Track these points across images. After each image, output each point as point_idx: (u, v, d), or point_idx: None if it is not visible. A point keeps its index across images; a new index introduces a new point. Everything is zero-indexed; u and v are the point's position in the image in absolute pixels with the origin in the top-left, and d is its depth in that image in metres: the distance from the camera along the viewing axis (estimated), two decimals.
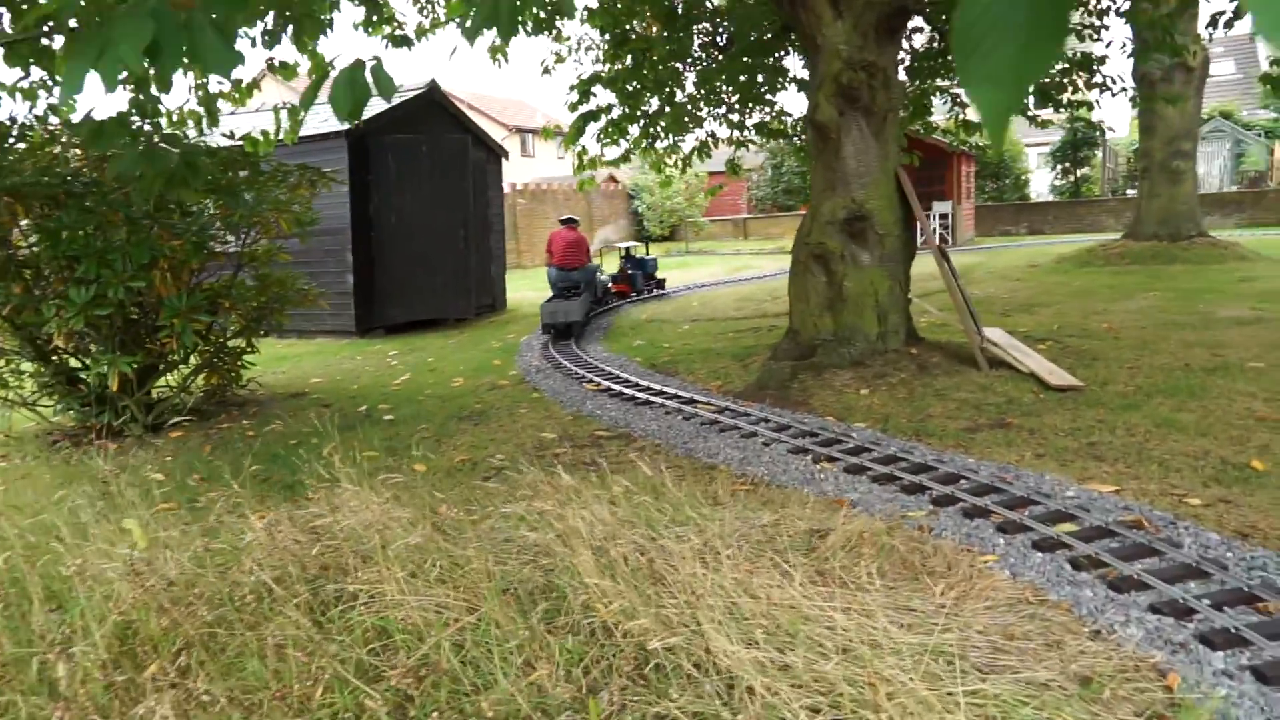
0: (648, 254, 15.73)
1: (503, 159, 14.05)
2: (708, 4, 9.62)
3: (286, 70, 9.83)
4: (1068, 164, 26.33)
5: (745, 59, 9.73)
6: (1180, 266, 12.76)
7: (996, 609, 2.86)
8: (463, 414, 6.53)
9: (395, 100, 11.97)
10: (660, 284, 14.98)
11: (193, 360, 7.15)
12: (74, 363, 6.72)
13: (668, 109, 10.98)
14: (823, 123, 6.55)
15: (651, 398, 6.30)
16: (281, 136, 8.29)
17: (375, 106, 11.89)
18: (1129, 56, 9.85)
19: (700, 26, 10.15)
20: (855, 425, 5.29)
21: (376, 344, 10.97)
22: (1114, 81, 9.84)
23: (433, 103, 12.42)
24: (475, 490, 4.40)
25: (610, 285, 13.55)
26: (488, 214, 13.59)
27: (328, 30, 9.41)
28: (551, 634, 2.73)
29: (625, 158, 10.43)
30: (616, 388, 6.72)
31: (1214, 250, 13.09)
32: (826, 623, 2.63)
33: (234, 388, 7.58)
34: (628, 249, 15.05)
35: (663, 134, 11.21)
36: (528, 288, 17.99)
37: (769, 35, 9.44)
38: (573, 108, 10.04)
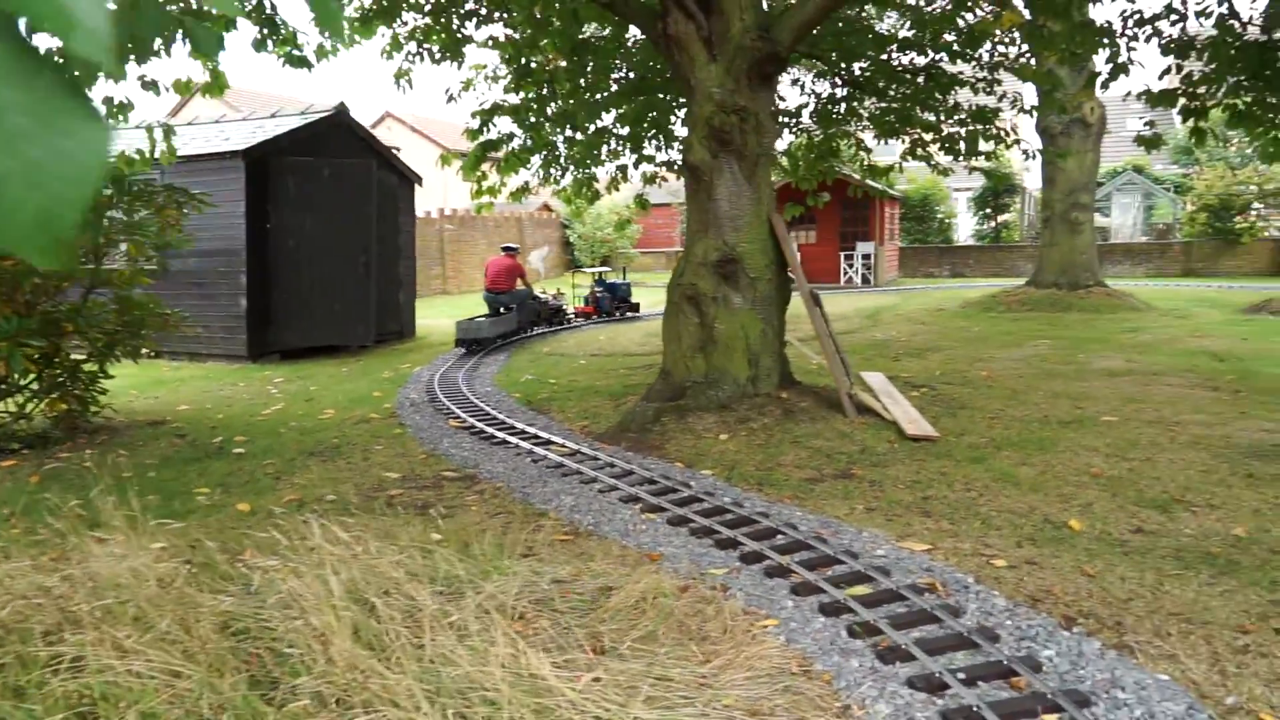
0: (623, 278, 16.89)
1: (415, 185, 13.85)
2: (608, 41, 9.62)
3: (179, 86, 9.58)
4: (989, 210, 27.08)
5: (639, 96, 9.74)
6: (1075, 315, 13.11)
7: (756, 680, 2.74)
8: (317, 449, 6.29)
9: (300, 122, 11.76)
10: (634, 308, 15.91)
11: (35, 385, 6.77)
12: None
13: (577, 140, 10.97)
14: (695, 164, 6.53)
15: (510, 437, 6.14)
16: (157, 156, 8.04)
17: (278, 127, 11.65)
18: (1019, 112, 10.12)
19: (607, 63, 10.17)
20: (700, 472, 5.20)
21: (267, 370, 10.62)
22: (1007, 134, 10.11)
23: (340, 126, 12.20)
24: (274, 529, 4.17)
25: (564, 307, 14.65)
26: (398, 240, 13.35)
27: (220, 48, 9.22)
28: (269, 704, 2.53)
29: (525, 189, 10.33)
30: (481, 425, 6.54)
31: (1108, 300, 13.48)
32: (561, 698, 2.48)
33: (86, 415, 7.20)
34: (599, 273, 16.62)
35: (571, 166, 11.18)
36: (448, 314, 17.74)
37: (669, 74, 9.49)
38: (472, 135, 9.94)
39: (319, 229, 11.34)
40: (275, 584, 2.95)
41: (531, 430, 6.29)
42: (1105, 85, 8.59)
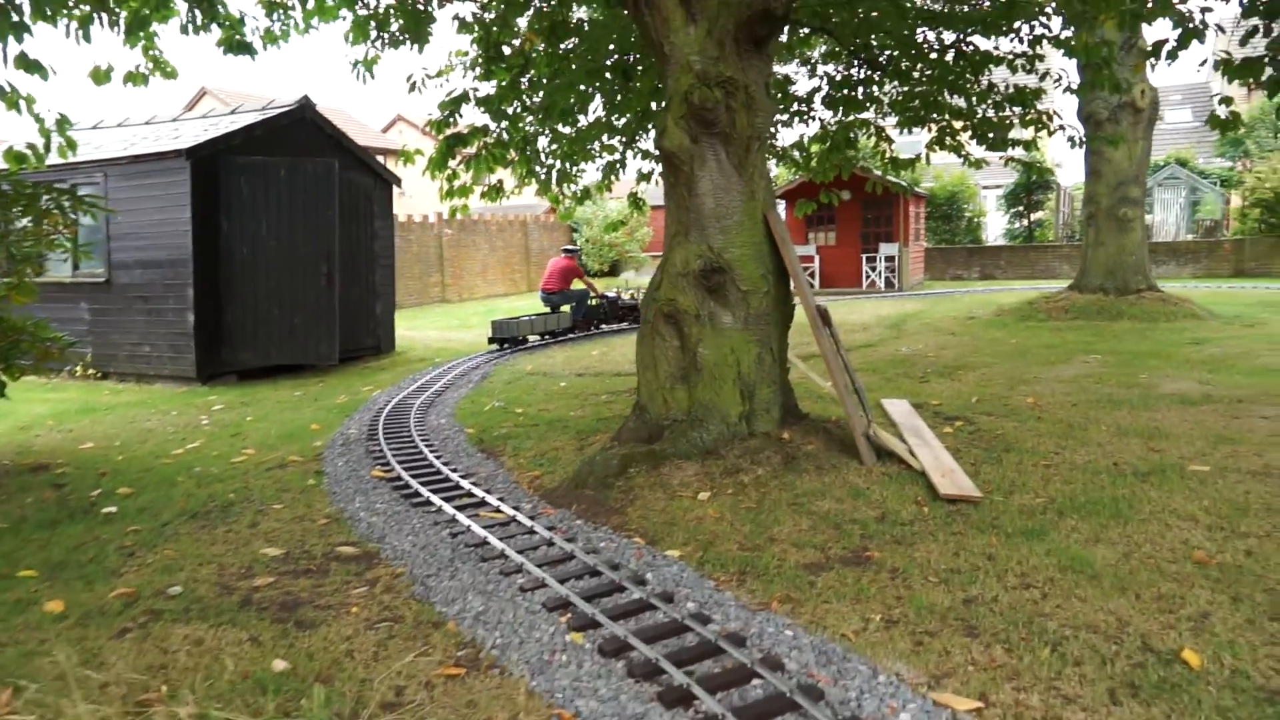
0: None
1: (394, 186, 12.70)
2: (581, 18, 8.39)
3: (136, 77, 8.54)
4: (1021, 208, 25.52)
5: (631, 83, 8.49)
6: (1126, 323, 11.66)
7: None
8: (204, 508, 5.09)
9: (254, 117, 10.63)
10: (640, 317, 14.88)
11: None
12: None
13: (562, 134, 9.76)
14: (671, 151, 5.27)
15: (437, 495, 4.90)
16: (55, 150, 6.92)
17: (230, 124, 10.55)
18: (1065, 91, 8.75)
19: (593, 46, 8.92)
20: (665, 554, 3.92)
21: (212, 395, 9.48)
22: (1050, 118, 8.75)
23: (303, 122, 11.06)
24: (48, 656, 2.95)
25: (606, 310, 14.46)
26: (373, 246, 12.21)
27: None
28: None
29: (498, 188, 9.12)
30: (409, 476, 5.31)
31: (1163, 306, 12.02)
32: None
33: None
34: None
35: (557, 163, 9.96)
36: (442, 324, 16.60)
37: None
38: (437, 128, 8.74)
39: (275, 235, 10.20)
40: None
41: (466, 485, 5.04)
42: (1172, 56, 7.21)
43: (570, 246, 14.87)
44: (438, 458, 5.81)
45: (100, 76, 7.97)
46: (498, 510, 4.55)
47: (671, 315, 5.41)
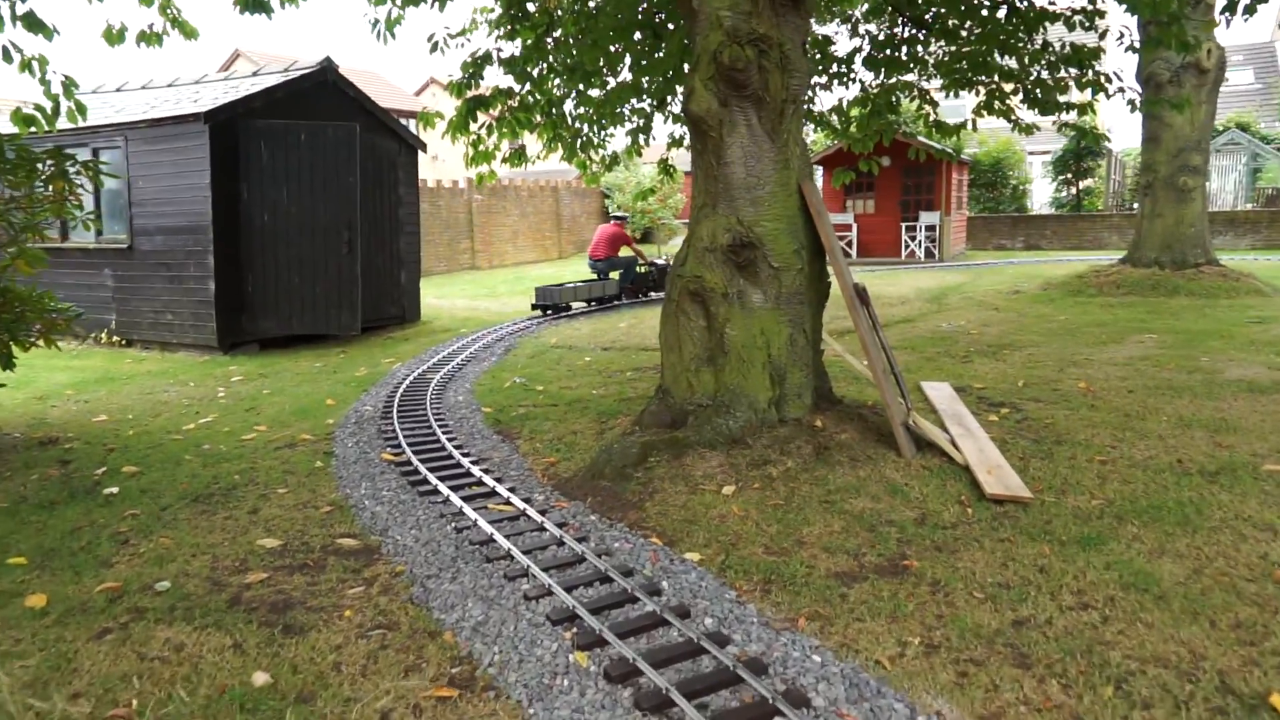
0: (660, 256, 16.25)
1: (419, 150, 12.38)
2: None
3: (149, 37, 8.29)
4: (1069, 175, 24.54)
5: (662, 44, 8.05)
6: (1184, 299, 11.04)
7: None
8: (207, 490, 4.88)
9: (275, 80, 10.35)
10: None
11: None
12: None
13: (590, 96, 9.36)
14: (699, 115, 4.87)
15: (445, 481, 4.64)
16: (63, 114, 6.70)
17: (250, 86, 10.28)
18: (1126, 51, 8.13)
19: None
20: (684, 557, 3.62)
21: (232, 365, 9.33)
22: (1109, 80, 8.15)
23: (325, 85, 10.76)
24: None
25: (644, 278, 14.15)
26: (398, 213, 11.93)
27: None
28: None
29: (521, 153, 8.75)
30: (417, 460, 5.05)
31: (1224, 282, 11.36)
32: None
33: None
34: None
35: (585, 127, 9.57)
36: (471, 292, 16.38)
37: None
38: (457, 91, 8.38)
39: (296, 201, 9.96)
40: None
41: (477, 473, 4.77)
42: (1250, 10, 6.64)
43: (620, 213, 14.93)
44: (451, 440, 5.54)
45: (113, 37, 7.72)
46: (507, 502, 4.28)
47: (697, 293, 5.06)
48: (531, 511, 4.06)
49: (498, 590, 3.33)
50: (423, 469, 4.83)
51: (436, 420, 6.09)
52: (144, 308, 10.44)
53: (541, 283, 13.97)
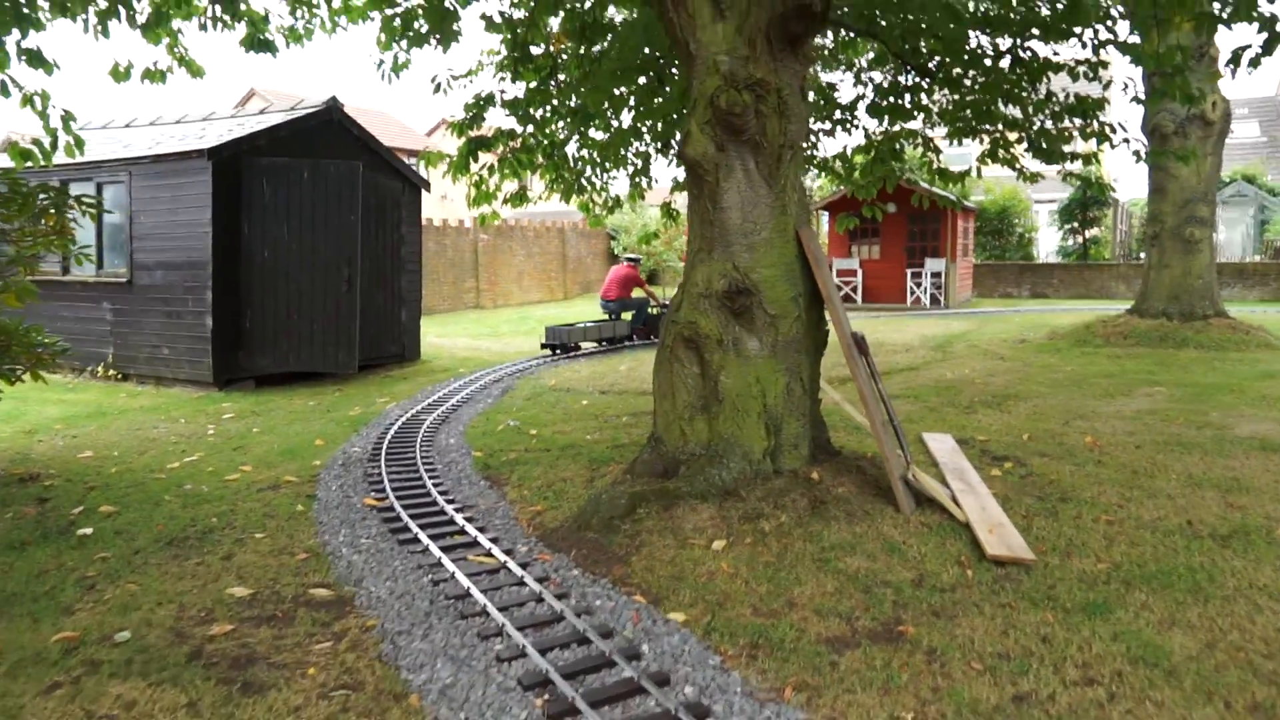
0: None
1: (422, 190, 12.40)
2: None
3: (154, 75, 8.37)
4: (1075, 224, 24.54)
5: (665, 87, 8.05)
6: (1192, 352, 10.88)
7: None
8: (183, 533, 4.73)
9: (280, 118, 10.40)
10: None
11: None
12: None
13: (593, 139, 9.39)
14: (695, 159, 4.80)
15: (426, 530, 4.48)
16: (60, 148, 6.71)
17: (255, 124, 10.33)
18: (1131, 102, 8.09)
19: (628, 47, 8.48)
20: (669, 617, 3.45)
21: (227, 401, 9.23)
22: (1114, 130, 8.10)
23: (331, 123, 10.80)
24: None
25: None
26: (400, 251, 11.92)
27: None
28: None
29: (521, 195, 8.73)
30: (399, 507, 4.90)
31: (1233, 334, 11.20)
32: None
33: None
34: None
35: (589, 169, 9.57)
36: (473, 332, 16.31)
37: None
38: (459, 130, 8.39)
39: (297, 238, 9.93)
40: None
41: (459, 521, 4.62)
42: (1255, 63, 6.58)
43: (632, 255, 14.98)
44: (437, 485, 5.40)
45: (119, 74, 7.77)
46: (489, 554, 4.12)
47: (692, 339, 4.95)
48: (512, 564, 3.90)
49: (470, 650, 3.16)
50: (404, 516, 4.68)
51: (425, 464, 5.94)
52: (141, 342, 10.37)
53: (546, 323, 13.97)
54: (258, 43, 8.27)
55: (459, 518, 4.65)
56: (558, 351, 12.32)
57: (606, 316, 13.64)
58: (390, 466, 5.87)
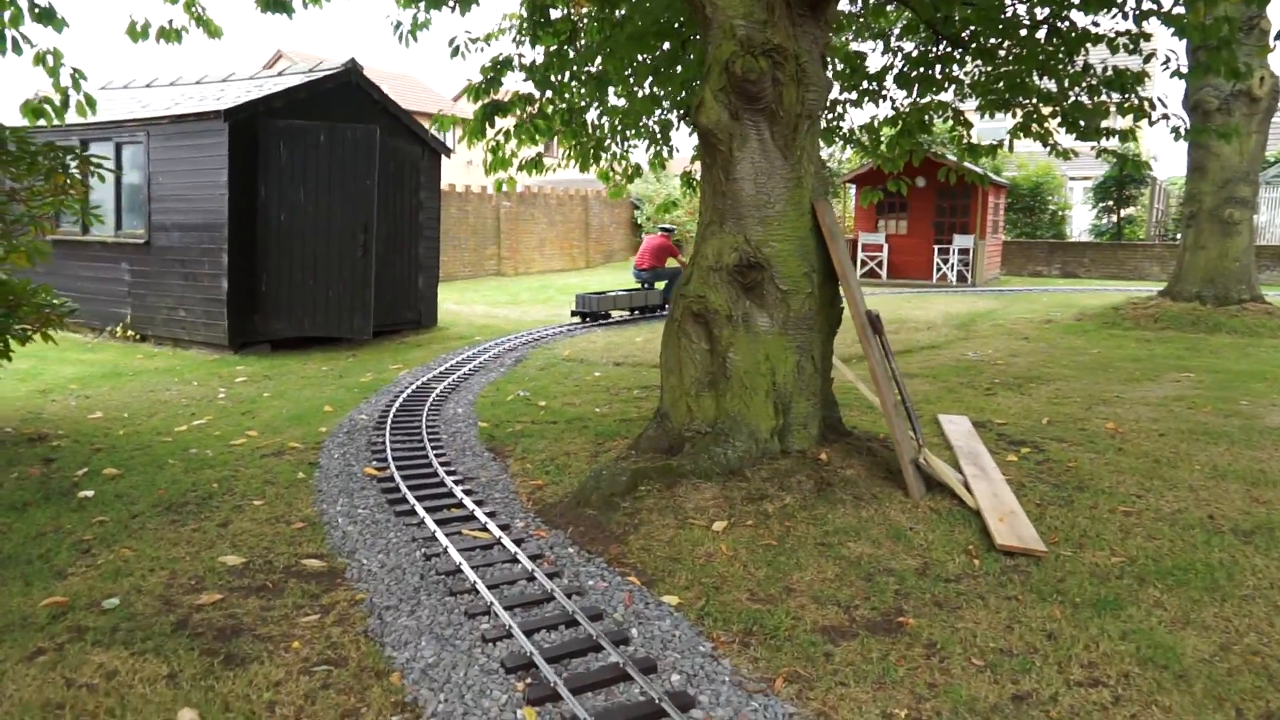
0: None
1: (443, 155, 12.28)
2: None
3: (169, 34, 8.27)
4: (1110, 202, 23.92)
5: (689, 54, 7.83)
6: (1225, 337, 10.56)
7: None
8: (183, 498, 4.72)
9: (298, 80, 10.30)
10: None
11: None
12: None
13: (615, 107, 9.21)
14: (708, 127, 4.64)
15: (423, 501, 4.42)
16: (72, 107, 6.65)
17: (273, 86, 10.24)
18: (1172, 76, 7.76)
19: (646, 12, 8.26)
20: (662, 600, 3.36)
21: (242, 364, 9.24)
22: (1153, 105, 7.78)
23: (349, 86, 10.68)
24: None
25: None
26: (418, 217, 11.83)
27: None
28: None
29: (537, 162, 8.57)
30: (400, 476, 4.85)
31: (1269, 320, 10.85)
32: None
33: None
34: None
35: (611, 137, 9.39)
36: (492, 299, 16.24)
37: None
38: (475, 95, 8.23)
39: (314, 202, 9.87)
40: None
41: (458, 494, 4.55)
42: None
43: (666, 225, 14.90)
44: (439, 456, 5.34)
45: (135, 33, 7.68)
46: (484, 528, 4.05)
47: (700, 314, 4.81)
48: (507, 540, 3.82)
49: (455, 629, 3.10)
50: (403, 487, 4.62)
51: (429, 434, 5.89)
52: (158, 304, 10.41)
53: (567, 292, 13.93)
54: (273, 3, 8.14)
55: (458, 490, 4.59)
56: (587, 319, 12.47)
57: (639, 285, 13.71)
58: (395, 436, 5.82)
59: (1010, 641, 3.06)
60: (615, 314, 13.07)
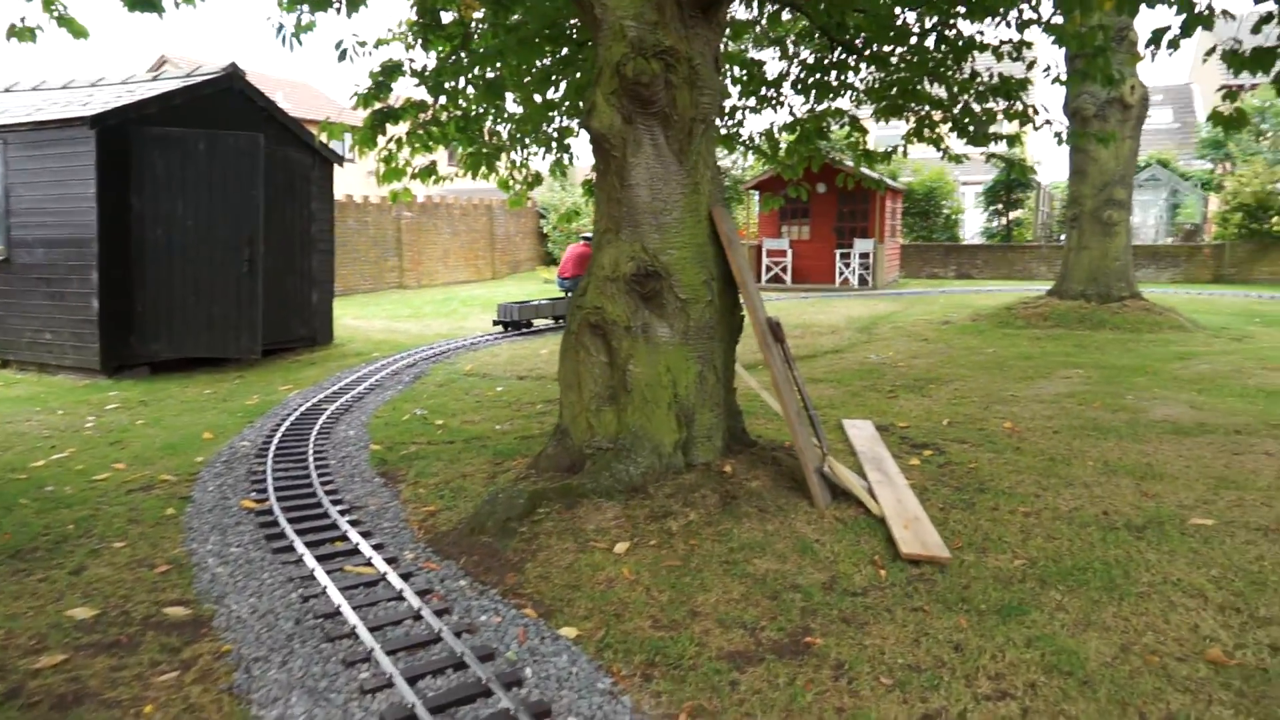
0: None
1: (335, 165, 11.78)
2: None
3: (21, 33, 7.59)
4: (1000, 206, 24.95)
5: (579, 51, 7.68)
6: (1109, 334, 11.03)
7: None
8: (32, 543, 4.26)
9: (174, 85, 9.70)
10: None
11: None
12: None
13: (510, 115, 8.99)
14: (601, 132, 4.48)
15: (304, 536, 4.11)
16: None
17: (145, 91, 9.60)
18: (1053, 83, 8.04)
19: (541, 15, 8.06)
20: (560, 633, 3.17)
21: (115, 389, 8.59)
22: (1036, 111, 8.04)
23: (231, 92, 10.12)
24: None
25: None
26: (310, 229, 11.29)
27: None
28: None
29: (431, 170, 8.26)
30: (280, 508, 4.51)
31: (1148, 316, 11.41)
32: None
33: None
34: None
35: (506, 141, 9.14)
36: (393, 313, 15.70)
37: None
38: (364, 102, 7.87)
39: (194, 215, 9.28)
40: None
41: (343, 526, 4.25)
42: (1174, 45, 6.52)
43: (588, 234, 14.98)
44: (325, 484, 5.00)
45: (23, 34, 7.06)
46: (369, 563, 3.77)
47: (599, 326, 4.64)
48: (393, 576, 3.55)
49: (331, 680, 2.83)
50: (283, 520, 4.29)
51: (317, 459, 5.53)
52: (21, 326, 9.60)
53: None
54: (142, 2, 7.60)
55: (343, 522, 4.28)
56: (509, 329, 12.48)
57: (563, 294, 13.80)
58: (278, 463, 5.44)
59: (918, 656, 2.98)
60: (539, 323, 13.07)
